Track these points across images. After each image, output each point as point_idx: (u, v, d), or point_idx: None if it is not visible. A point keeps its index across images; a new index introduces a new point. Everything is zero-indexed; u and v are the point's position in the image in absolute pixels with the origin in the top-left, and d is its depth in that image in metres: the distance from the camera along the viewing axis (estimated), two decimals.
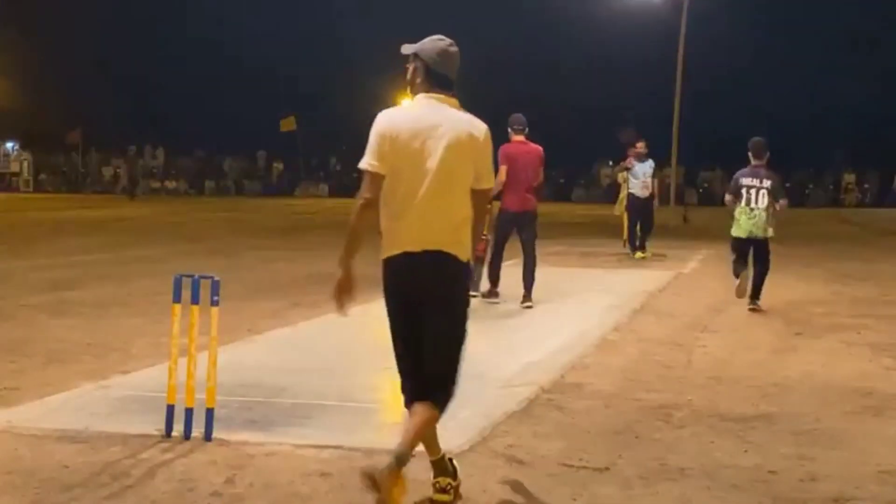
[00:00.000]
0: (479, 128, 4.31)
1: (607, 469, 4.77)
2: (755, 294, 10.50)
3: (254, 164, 62.40)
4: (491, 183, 4.39)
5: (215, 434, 5.08)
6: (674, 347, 8.15)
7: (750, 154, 10.51)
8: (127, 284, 11.89)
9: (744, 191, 10.37)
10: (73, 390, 6.18)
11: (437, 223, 4.19)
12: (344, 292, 4.16)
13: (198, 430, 5.09)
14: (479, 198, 4.35)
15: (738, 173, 10.62)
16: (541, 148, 10.73)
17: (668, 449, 5.13)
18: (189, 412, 5.08)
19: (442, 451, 4.38)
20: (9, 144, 59.76)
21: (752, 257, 10.61)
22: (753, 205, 10.31)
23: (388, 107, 4.35)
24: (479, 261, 9.93)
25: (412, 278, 4.20)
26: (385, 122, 4.25)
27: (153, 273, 12.82)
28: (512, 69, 53.11)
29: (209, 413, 5.08)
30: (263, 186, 58.40)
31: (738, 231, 10.50)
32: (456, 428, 5.07)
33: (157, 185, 58.08)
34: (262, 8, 65.48)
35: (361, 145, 4.23)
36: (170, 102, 59.27)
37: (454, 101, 4.33)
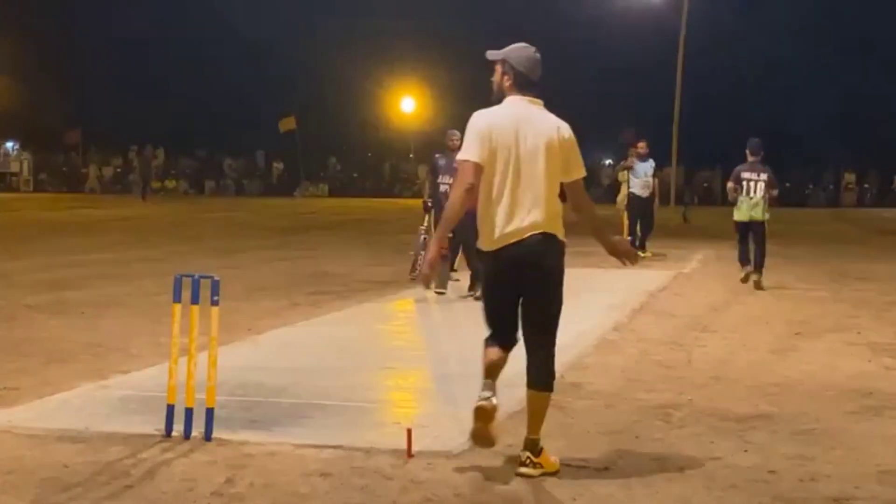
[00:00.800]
0: (565, 126, 4.71)
1: (607, 469, 4.77)
2: (758, 270, 12.27)
3: (254, 164, 62.39)
4: (581, 172, 4.73)
5: (215, 434, 5.08)
6: (674, 347, 8.15)
7: (748, 152, 12.32)
8: (127, 284, 11.89)
9: (744, 183, 12.20)
10: (73, 390, 6.18)
11: (538, 212, 4.56)
12: (435, 268, 4.59)
13: (198, 430, 5.09)
14: (575, 188, 4.73)
15: (738, 167, 12.40)
16: None
17: (668, 449, 5.13)
18: (189, 412, 5.08)
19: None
20: (9, 144, 59.73)
21: (752, 240, 12.32)
22: (752, 194, 12.16)
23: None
24: (445, 258, 9.94)
25: (523, 261, 4.55)
26: (483, 121, 4.63)
27: (153, 273, 12.83)
28: None
29: (209, 413, 5.09)
30: (263, 186, 58.37)
31: (740, 216, 12.35)
32: (456, 428, 5.07)
33: (157, 185, 58.08)
34: (262, 8, 65.50)
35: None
36: (170, 102, 59.25)
37: (540, 101, 4.72)
